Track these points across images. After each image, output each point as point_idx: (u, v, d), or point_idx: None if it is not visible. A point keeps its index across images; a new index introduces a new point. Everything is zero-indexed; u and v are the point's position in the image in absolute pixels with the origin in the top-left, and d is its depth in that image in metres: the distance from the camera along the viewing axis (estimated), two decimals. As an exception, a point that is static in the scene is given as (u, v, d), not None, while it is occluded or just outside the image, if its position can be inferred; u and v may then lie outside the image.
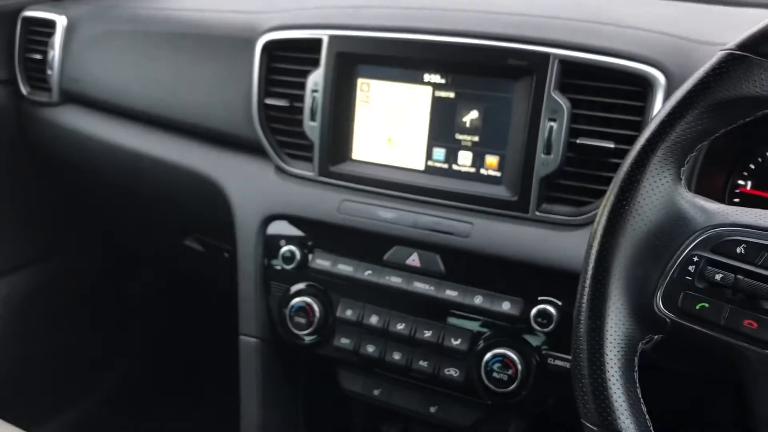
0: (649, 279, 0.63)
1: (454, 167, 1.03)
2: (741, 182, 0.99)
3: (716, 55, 0.62)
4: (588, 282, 0.64)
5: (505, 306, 0.99)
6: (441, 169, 1.04)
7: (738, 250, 0.60)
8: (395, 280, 1.04)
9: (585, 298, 0.64)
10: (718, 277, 0.60)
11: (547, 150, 0.95)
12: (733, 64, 0.61)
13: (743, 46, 0.61)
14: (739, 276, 0.60)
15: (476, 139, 1.01)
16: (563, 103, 0.94)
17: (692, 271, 0.62)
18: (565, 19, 1.00)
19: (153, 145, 1.28)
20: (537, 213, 0.97)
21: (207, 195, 1.20)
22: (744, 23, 0.65)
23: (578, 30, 0.97)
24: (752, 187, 0.98)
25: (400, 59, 1.04)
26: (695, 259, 0.62)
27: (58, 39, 1.37)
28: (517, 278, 0.99)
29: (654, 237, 0.63)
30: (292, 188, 1.12)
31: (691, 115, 0.62)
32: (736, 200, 0.99)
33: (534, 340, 0.99)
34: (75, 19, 1.38)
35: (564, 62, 0.94)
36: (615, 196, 0.64)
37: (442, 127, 1.03)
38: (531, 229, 0.98)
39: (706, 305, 0.61)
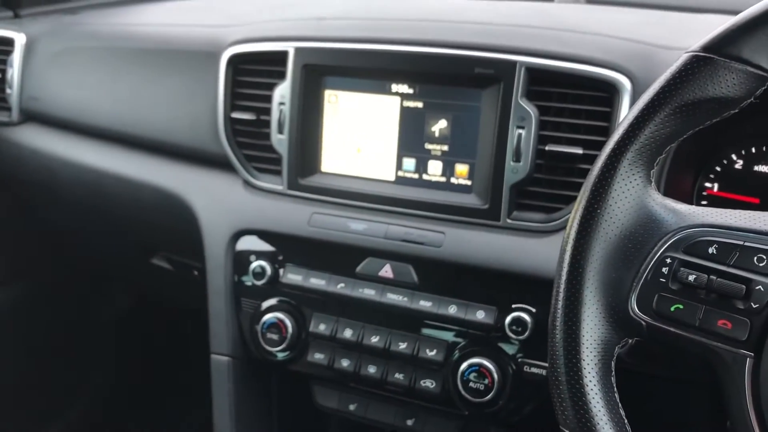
0: (623, 282, 0.63)
1: (425, 177, 1.02)
2: (708, 184, 1.00)
3: (681, 58, 0.63)
4: (562, 287, 0.64)
5: (480, 315, 0.98)
6: (411, 179, 1.03)
7: (710, 250, 0.60)
8: (368, 293, 1.03)
9: (560, 303, 0.64)
10: (691, 278, 0.60)
11: (517, 157, 0.95)
12: (698, 65, 0.61)
13: (708, 47, 0.61)
14: (712, 276, 0.60)
15: (446, 148, 1.01)
16: (531, 110, 0.94)
17: (665, 273, 0.62)
18: (531, 27, 1.00)
19: (117, 162, 1.26)
20: (508, 220, 0.97)
21: (174, 212, 1.18)
22: (703, 29, 0.66)
23: (544, 37, 0.97)
24: (719, 189, 0.99)
25: (367, 70, 1.03)
26: (668, 260, 0.62)
27: (17, 57, 1.34)
28: (490, 286, 0.98)
29: (626, 240, 0.63)
30: (261, 202, 1.10)
31: (659, 118, 0.63)
32: (704, 202, 1.00)
33: (509, 349, 0.98)
34: (34, 37, 1.35)
35: (530, 70, 0.94)
36: (586, 200, 0.64)
37: (412, 137, 1.02)
38: (503, 236, 0.97)
39: (681, 307, 0.61)
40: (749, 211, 0.63)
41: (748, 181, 0.98)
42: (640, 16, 1.10)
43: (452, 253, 0.99)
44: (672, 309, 0.61)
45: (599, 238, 0.63)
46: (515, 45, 0.96)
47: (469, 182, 1.00)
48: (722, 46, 0.61)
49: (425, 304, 1.01)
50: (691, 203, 1.00)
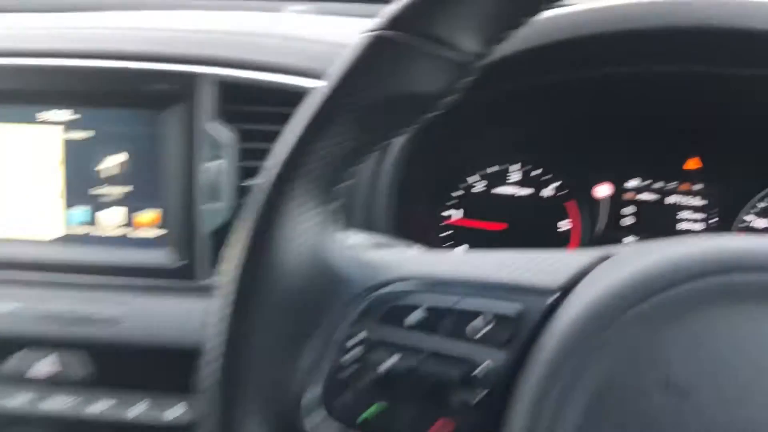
0: (297, 378, 0.42)
1: (100, 231, 0.80)
2: (452, 212, 0.86)
3: (357, 40, 0.43)
4: (211, 391, 0.42)
5: (174, 413, 0.75)
6: (83, 235, 0.81)
7: (414, 318, 0.41)
8: (20, 400, 0.77)
9: (208, 414, 0.42)
10: (391, 362, 0.40)
11: (214, 197, 0.75)
12: (375, 51, 0.42)
13: (386, 24, 0.42)
14: (419, 357, 0.40)
15: (126, 191, 0.80)
16: (227, 135, 0.76)
17: (356, 358, 0.41)
18: (221, 33, 0.82)
19: None
20: (207, 280, 0.76)
21: None
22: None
23: (236, 45, 0.80)
24: (464, 216, 0.87)
25: (9, 93, 0.80)
26: (358, 339, 0.41)
27: None
28: (189, 371, 0.75)
29: (298, 313, 0.42)
30: None
31: (331, 130, 0.43)
32: (449, 232, 0.87)
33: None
34: None
35: (222, 84, 0.77)
36: (237, 257, 0.42)
37: (80, 178, 0.80)
38: (202, 301, 0.76)
39: (381, 408, 0.41)
40: (464, 253, 0.45)
41: (493, 204, 0.86)
42: (347, 24, 0.94)
43: (135, 332, 0.76)
44: (369, 414, 0.41)
45: (258, 314, 0.41)
46: (201, 53, 0.78)
47: (158, 233, 0.79)
48: (405, 21, 0.41)
49: (100, 408, 0.76)
50: (434, 237, 0.85)
